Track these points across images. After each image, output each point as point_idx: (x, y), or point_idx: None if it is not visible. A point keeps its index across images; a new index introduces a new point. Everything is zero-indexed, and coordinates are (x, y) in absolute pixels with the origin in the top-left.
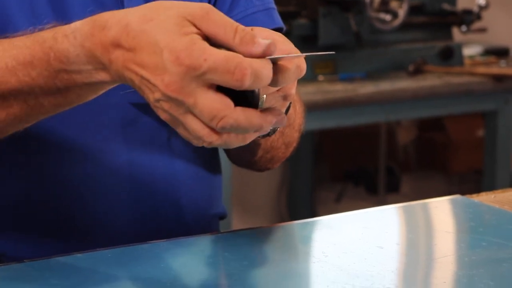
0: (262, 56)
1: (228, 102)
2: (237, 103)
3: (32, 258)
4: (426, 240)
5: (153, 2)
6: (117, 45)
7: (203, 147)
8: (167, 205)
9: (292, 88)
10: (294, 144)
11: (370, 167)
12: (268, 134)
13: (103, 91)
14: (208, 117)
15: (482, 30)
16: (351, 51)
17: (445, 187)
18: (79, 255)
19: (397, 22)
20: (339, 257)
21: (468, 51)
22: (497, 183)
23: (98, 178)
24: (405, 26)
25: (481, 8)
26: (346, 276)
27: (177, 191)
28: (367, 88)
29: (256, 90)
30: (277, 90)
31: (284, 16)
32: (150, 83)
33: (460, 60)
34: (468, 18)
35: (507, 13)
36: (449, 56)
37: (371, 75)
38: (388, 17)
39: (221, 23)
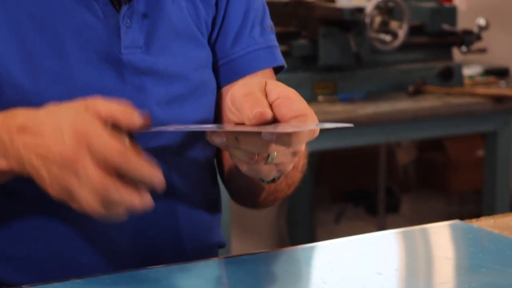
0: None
1: (114, 179)
2: None
3: (30, 283)
4: (425, 266)
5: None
6: (22, 128)
7: (203, 180)
8: (167, 236)
9: (302, 146)
10: (296, 184)
11: (370, 188)
12: (273, 180)
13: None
14: (98, 187)
15: (482, 50)
16: (351, 72)
17: (445, 207)
18: (78, 280)
19: (397, 42)
20: (338, 284)
21: (468, 71)
22: (497, 203)
23: None
24: (405, 46)
25: (481, 28)
26: None
27: (177, 222)
28: (367, 109)
29: None
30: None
31: (285, 36)
32: (46, 154)
33: (460, 81)
34: (468, 38)
35: (507, 34)
36: (449, 76)
37: (371, 96)
38: (388, 37)
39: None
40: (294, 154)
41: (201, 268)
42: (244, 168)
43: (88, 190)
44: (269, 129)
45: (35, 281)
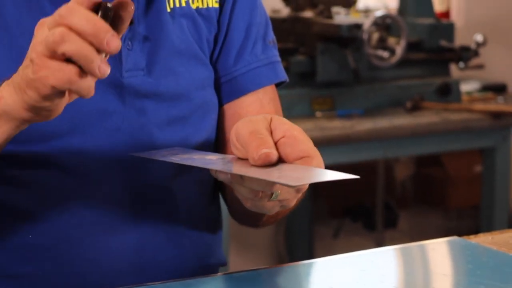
0: None
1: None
2: None
3: None
4: (423, 283)
5: None
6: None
7: (203, 199)
8: (168, 254)
9: (306, 185)
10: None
11: (368, 203)
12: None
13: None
14: (90, 31)
15: (480, 66)
16: (349, 88)
17: (443, 223)
18: None
19: (395, 59)
20: None
21: (466, 87)
22: (495, 219)
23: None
24: (403, 62)
25: (479, 44)
26: None
27: (178, 241)
28: (365, 125)
29: None
30: None
31: (283, 52)
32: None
33: (458, 97)
34: (465, 54)
35: (504, 50)
36: (447, 92)
37: (369, 112)
38: (385, 54)
39: None
40: (298, 191)
41: (200, 284)
42: (247, 204)
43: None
44: (273, 177)
45: None
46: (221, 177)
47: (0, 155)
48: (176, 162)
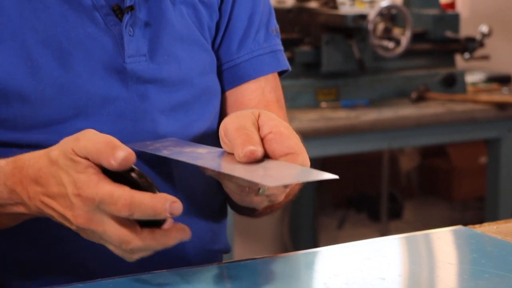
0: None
1: (134, 228)
2: None
3: None
4: (428, 272)
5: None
6: (34, 182)
7: (209, 187)
8: None
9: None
10: (294, 194)
11: (373, 194)
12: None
13: (22, 220)
14: (117, 243)
15: (485, 57)
16: (354, 78)
17: (448, 214)
18: (80, 285)
19: (400, 49)
20: None
21: (471, 78)
22: (500, 210)
23: None
24: (408, 53)
25: (484, 35)
26: None
27: None
28: (369, 116)
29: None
30: None
31: (287, 43)
32: (65, 217)
33: (463, 87)
34: (471, 45)
35: (510, 41)
36: (452, 83)
37: (374, 102)
38: (391, 44)
39: (94, 149)
40: (286, 186)
41: (205, 272)
42: (236, 198)
43: (113, 245)
44: (257, 178)
45: (41, 285)
46: (208, 173)
47: (5, 142)
48: (166, 156)
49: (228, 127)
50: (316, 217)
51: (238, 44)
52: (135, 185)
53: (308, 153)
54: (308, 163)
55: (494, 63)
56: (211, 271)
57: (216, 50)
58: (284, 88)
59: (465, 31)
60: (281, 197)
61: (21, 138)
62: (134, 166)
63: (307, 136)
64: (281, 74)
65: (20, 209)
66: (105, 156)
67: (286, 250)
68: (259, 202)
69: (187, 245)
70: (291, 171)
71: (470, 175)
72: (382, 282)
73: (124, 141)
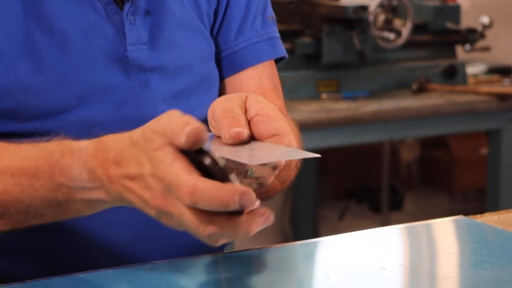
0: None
1: (210, 212)
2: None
3: (34, 278)
4: (429, 262)
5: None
6: (115, 164)
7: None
8: (170, 233)
9: (282, 162)
10: (291, 180)
11: (373, 185)
12: (260, 186)
13: (101, 209)
14: (194, 227)
15: (486, 48)
16: (354, 70)
17: (449, 205)
18: (80, 275)
19: (401, 40)
20: (341, 278)
21: (472, 69)
22: (501, 201)
23: None
24: (409, 44)
25: (485, 27)
26: None
27: None
28: (370, 107)
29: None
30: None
31: (288, 34)
32: (144, 199)
33: (464, 79)
34: (471, 36)
35: (511, 32)
36: (453, 74)
37: (375, 94)
38: (391, 35)
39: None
40: (274, 168)
41: (204, 262)
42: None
43: (191, 230)
44: (243, 158)
45: (38, 275)
46: None
47: (8, 132)
48: None
49: (215, 109)
50: (316, 209)
51: (236, 32)
52: (211, 174)
53: (308, 144)
54: (295, 144)
55: (495, 54)
56: (211, 261)
57: (214, 37)
58: (284, 80)
59: (466, 22)
60: (270, 180)
61: (24, 128)
62: (211, 153)
63: (307, 127)
64: (277, 62)
65: (100, 195)
66: (177, 133)
67: (287, 241)
68: (248, 184)
69: (189, 234)
70: (276, 151)
71: (471, 166)
72: (382, 272)
73: (125, 129)
